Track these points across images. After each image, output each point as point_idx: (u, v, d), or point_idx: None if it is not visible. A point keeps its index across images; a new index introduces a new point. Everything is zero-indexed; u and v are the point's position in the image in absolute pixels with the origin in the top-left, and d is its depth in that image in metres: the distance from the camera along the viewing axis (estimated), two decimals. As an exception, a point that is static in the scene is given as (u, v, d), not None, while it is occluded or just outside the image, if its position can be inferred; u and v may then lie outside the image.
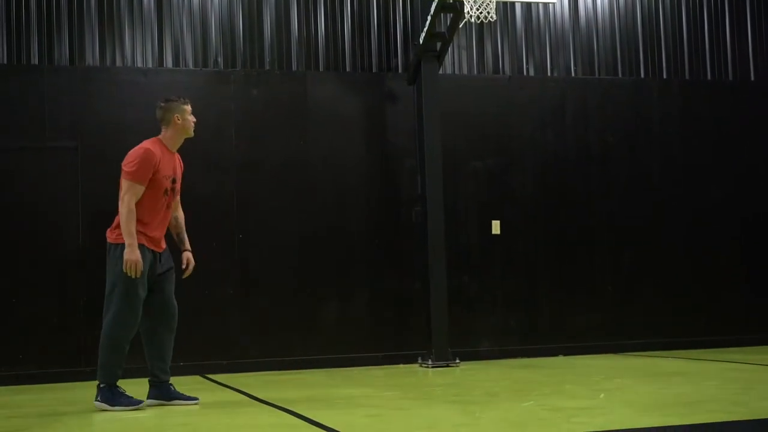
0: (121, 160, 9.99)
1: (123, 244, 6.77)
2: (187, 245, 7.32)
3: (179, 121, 7.14)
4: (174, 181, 7.13)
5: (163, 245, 7.11)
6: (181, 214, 7.32)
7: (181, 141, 7.22)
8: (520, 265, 10.72)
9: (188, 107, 7.22)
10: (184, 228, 7.34)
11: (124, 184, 6.92)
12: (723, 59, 11.54)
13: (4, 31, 9.72)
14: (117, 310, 6.79)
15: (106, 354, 6.82)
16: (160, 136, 7.16)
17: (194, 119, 7.25)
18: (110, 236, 6.96)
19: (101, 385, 6.83)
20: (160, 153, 7.01)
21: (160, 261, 7.04)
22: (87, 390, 7.55)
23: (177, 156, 7.25)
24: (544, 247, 10.80)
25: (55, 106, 9.72)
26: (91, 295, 9.56)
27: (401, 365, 10.03)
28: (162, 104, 7.19)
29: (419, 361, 9.97)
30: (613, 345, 10.73)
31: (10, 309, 9.46)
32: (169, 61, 10.11)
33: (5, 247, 9.52)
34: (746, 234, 11.30)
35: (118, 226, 6.86)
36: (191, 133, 7.25)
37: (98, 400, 6.82)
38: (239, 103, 10.19)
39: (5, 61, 9.70)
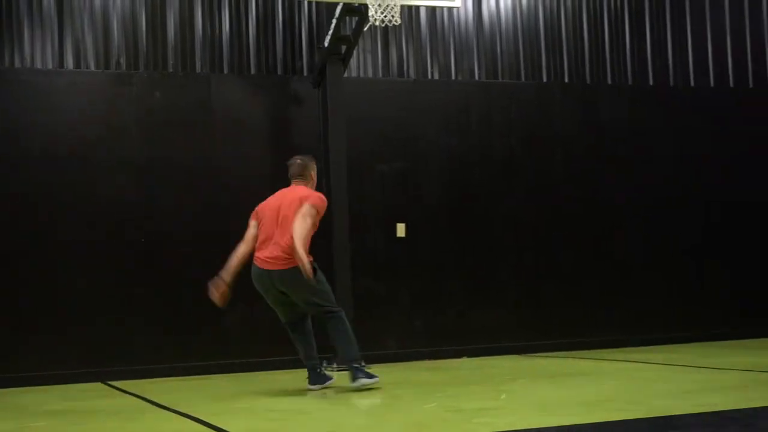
0: (23, 161, 9.84)
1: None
2: None
3: (314, 178, 8.01)
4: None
5: None
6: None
7: None
8: (426, 268, 10.79)
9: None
10: None
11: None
12: (623, 64, 11.78)
13: None
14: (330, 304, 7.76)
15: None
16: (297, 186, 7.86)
17: None
18: (288, 263, 7.55)
19: (355, 365, 7.61)
20: None
21: None
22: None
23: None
24: (449, 250, 10.89)
25: (-50, 107, 9.48)
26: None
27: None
28: (303, 161, 7.96)
29: (324, 364, 9.93)
30: (518, 346, 10.86)
31: None
32: (70, 62, 9.93)
33: None
34: (651, 231, 11.53)
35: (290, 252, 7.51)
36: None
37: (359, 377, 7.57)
38: (142, 105, 10.06)
39: None
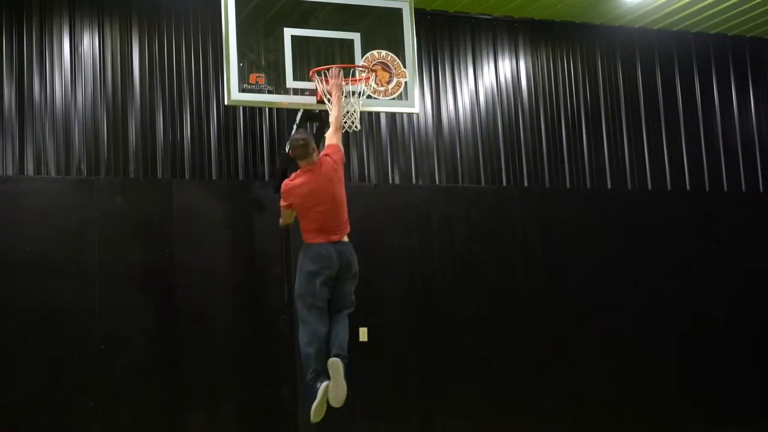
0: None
1: None
2: None
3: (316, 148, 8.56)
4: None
5: None
6: None
7: None
8: (389, 372, 10.70)
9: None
10: None
11: None
12: (581, 169, 11.94)
13: None
14: None
15: None
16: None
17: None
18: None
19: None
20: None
21: None
22: None
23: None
24: (412, 354, 10.82)
25: None
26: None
27: (269, 477, 9.83)
28: (304, 140, 8.41)
29: None
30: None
31: None
32: (30, 169, 9.89)
33: None
34: (613, 332, 11.55)
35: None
36: None
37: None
38: (103, 211, 10.01)
39: None
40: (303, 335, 8.13)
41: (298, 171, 8.43)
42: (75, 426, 9.55)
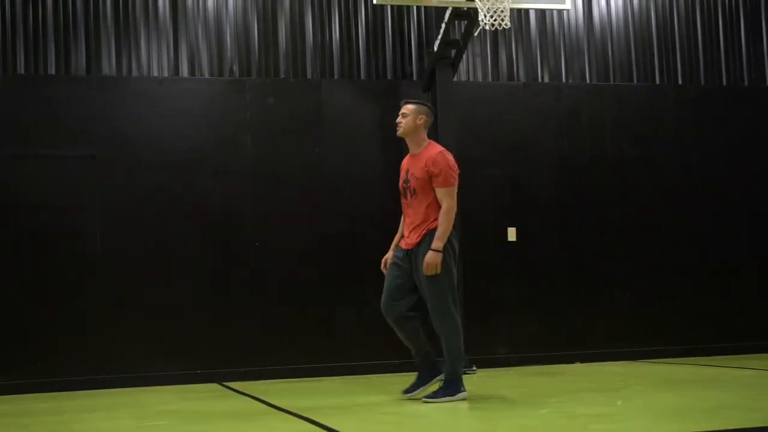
0: (136, 168, 10.11)
1: None
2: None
3: None
4: (406, 182, 7.47)
5: (411, 243, 7.38)
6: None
7: (409, 142, 7.59)
8: (537, 272, 10.71)
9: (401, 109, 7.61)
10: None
11: None
12: (738, 65, 11.52)
13: (22, 42, 9.78)
14: None
15: None
16: None
17: (398, 120, 7.59)
18: None
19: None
20: (406, 158, 7.64)
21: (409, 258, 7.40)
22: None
23: (423, 155, 7.42)
24: (560, 254, 10.78)
25: (71, 115, 9.76)
26: (104, 303, 9.63)
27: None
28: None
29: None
30: (630, 352, 10.69)
31: (16, 316, 9.49)
32: (184, 70, 10.14)
33: (20, 255, 9.56)
34: (759, 239, 11.26)
35: None
36: (398, 133, 7.63)
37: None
38: (255, 112, 10.21)
39: (23, 71, 9.75)
40: (457, 329, 7.29)
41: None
42: (232, 320, 9.90)
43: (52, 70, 9.81)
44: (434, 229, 7.22)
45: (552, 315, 10.68)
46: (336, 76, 10.49)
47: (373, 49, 10.61)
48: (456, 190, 7.35)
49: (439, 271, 7.14)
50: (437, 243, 7.14)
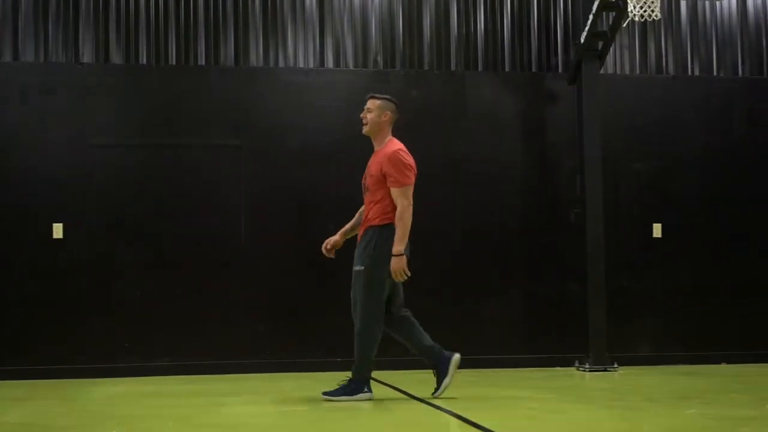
0: (283, 158, 10.23)
1: None
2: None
3: None
4: (365, 178, 7.25)
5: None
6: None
7: (373, 139, 7.33)
8: (682, 270, 10.44)
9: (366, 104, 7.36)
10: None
11: None
12: None
13: (174, 34, 10.05)
14: None
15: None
16: None
17: (362, 115, 7.37)
18: None
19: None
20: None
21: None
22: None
23: (381, 153, 7.17)
24: (707, 252, 10.48)
25: (220, 105, 9.99)
26: (254, 291, 9.80)
27: (558, 368, 9.90)
28: None
29: (576, 364, 9.83)
30: (780, 354, 10.34)
31: (173, 304, 9.74)
32: (330, 62, 10.25)
33: (170, 243, 9.82)
34: None
35: None
36: (364, 131, 7.39)
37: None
38: (399, 102, 10.20)
39: (174, 62, 10.02)
40: (372, 335, 7.11)
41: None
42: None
43: (202, 62, 10.05)
44: (372, 227, 7.01)
45: (697, 313, 10.39)
46: (480, 68, 10.43)
47: (518, 41, 10.51)
48: (411, 190, 6.97)
49: (405, 278, 6.95)
50: (397, 247, 6.89)
